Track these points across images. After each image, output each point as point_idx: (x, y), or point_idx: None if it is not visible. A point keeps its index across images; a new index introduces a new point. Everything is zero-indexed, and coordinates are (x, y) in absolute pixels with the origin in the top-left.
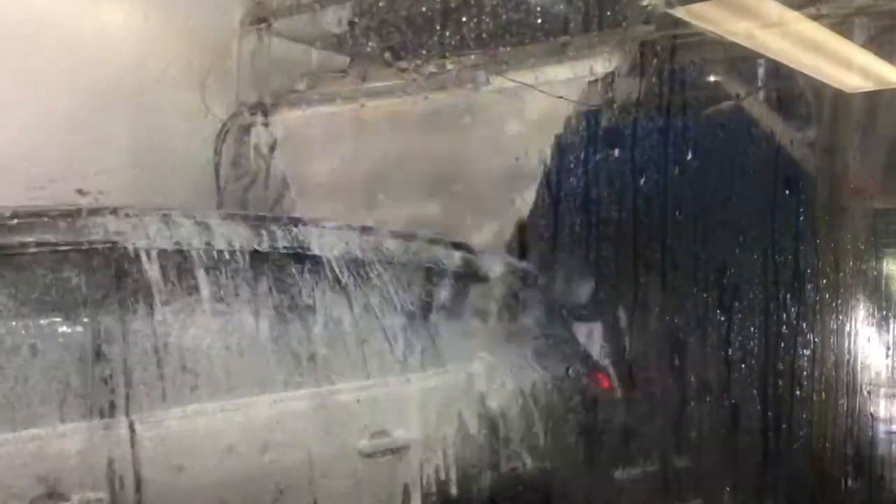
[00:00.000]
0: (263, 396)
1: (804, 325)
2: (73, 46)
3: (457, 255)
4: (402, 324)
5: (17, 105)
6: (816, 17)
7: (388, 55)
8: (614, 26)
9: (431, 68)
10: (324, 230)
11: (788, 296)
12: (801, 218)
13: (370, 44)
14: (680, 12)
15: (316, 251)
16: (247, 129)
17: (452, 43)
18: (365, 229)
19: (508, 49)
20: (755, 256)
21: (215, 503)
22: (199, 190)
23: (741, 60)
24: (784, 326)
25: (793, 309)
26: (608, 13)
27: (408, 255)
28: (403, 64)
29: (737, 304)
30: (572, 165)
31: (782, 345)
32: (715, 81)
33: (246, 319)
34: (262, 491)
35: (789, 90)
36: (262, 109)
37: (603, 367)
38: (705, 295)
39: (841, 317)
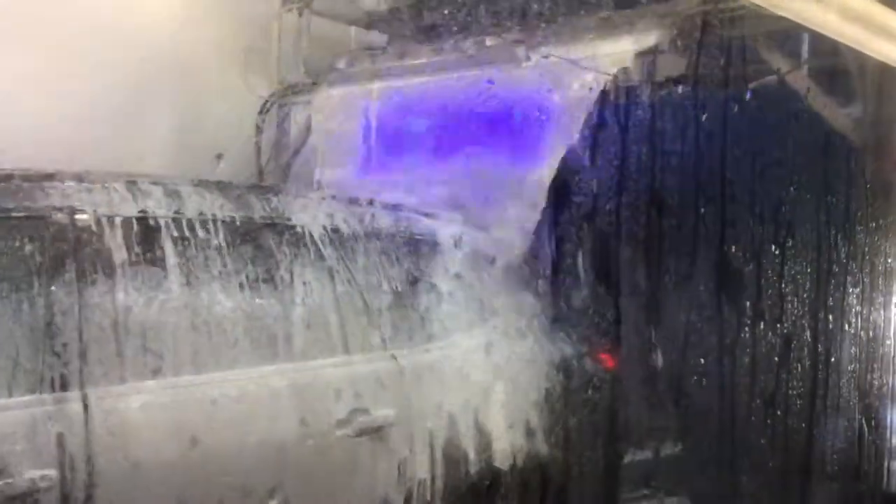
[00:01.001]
0: (231, 373)
1: (853, 300)
2: (115, 27)
3: (452, 230)
4: (388, 298)
5: (59, 86)
6: None
7: (426, 33)
8: (658, 0)
9: (470, 45)
10: (306, 200)
11: (836, 270)
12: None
13: (409, 22)
14: None
15: (296, 222)
16: (288, 108)
17: (492, 19)
18: (352, 201)
19: (549, 25)
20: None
21: (175, 485)
22: (239, 169)
23: (786, 34)
24: (832, 300)
25: (841, 283)
26: None
27: (396, 227)
28: (442, 41)
29: (786, 279)
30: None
31: (832, 321)
32: (759, 56)
33: (216, 293)
34: (226, 472)
35: (834, 64)
36: (303, 88)
37: (608, 346)
38: (753, 271)
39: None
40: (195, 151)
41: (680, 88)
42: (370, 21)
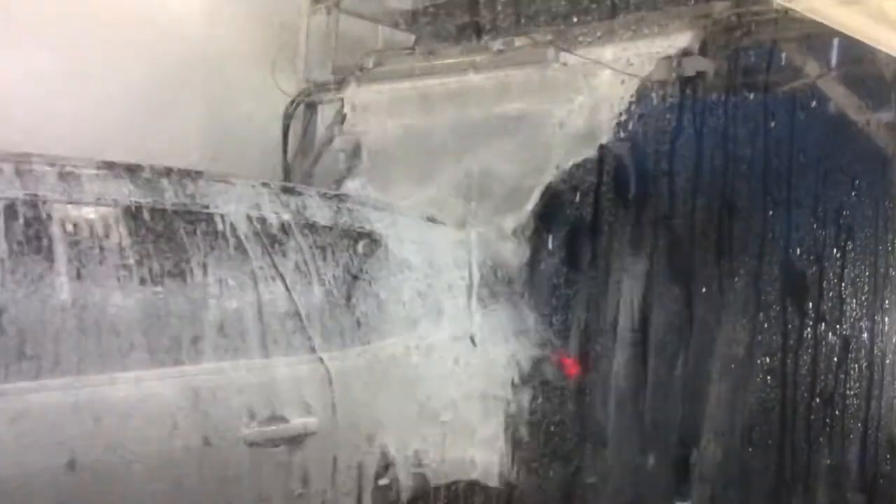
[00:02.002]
0: (122, 376)
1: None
2: (145, 24)
3: (404, 223)
4: (318, 297)
5: (90, 80)
6: None
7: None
8: (689, 3)
9: (499, 45)
10: (229, 186)
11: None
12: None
13: (437, 21)
14: None
15: (215, 210)
16: (314, 106)
17: (521, 20)
18: (286, 189)
19: (578, 26)
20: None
21: (61, 498)
22: (266, 166)
23: (817, 38)
24: (860, 312)
25: (868, 294)
26: None
27: (336, 220)
28: (470, 41)
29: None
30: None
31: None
32: (790, 60)
33: (110, 288)
34: (117, 483)
35: (866, 69)
36: (330, 86)
37: (572, 349)
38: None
39: None
40: (223, 146)
41: (709, 90)
42: (398, 20)
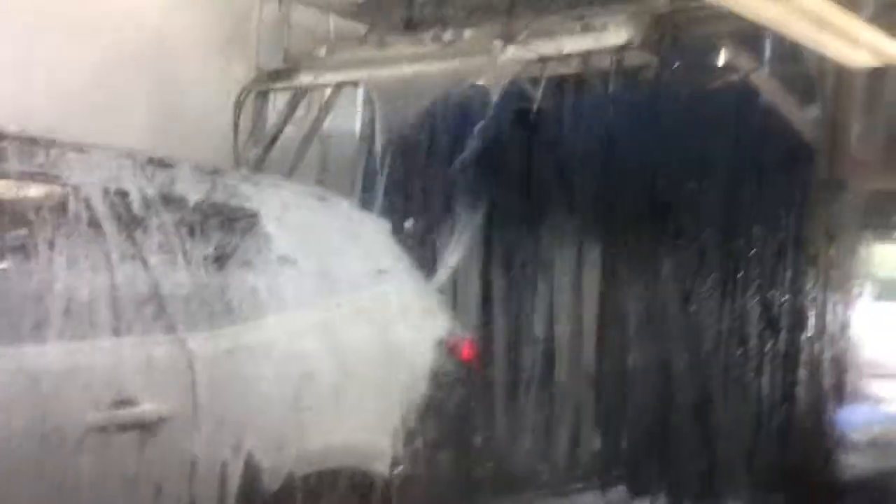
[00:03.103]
0: None
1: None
2: (98, 10)
3: (289, 200)
4: (184, 276)
5: (41, 67)
6: None
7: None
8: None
9: (448, 36)
10: (85, 156)
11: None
12: (800, 192)
13: (389, 12)
14: None
15: (67, 181)
16: (266, 94)
17: (470, 12)
18: (152, 161)
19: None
20: (753, 227)
21: None
22: (217, 154)
23: (749, 34)
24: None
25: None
26: None
27: (207, 195)
28: (421, 32)
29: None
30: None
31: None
32: (723, 55)
33: None
34: None
35: (795, 65)
36: (281, 75)
37: (468, 332)
38: (699, 270)
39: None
40: (173, 133)
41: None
42: (350, 10)
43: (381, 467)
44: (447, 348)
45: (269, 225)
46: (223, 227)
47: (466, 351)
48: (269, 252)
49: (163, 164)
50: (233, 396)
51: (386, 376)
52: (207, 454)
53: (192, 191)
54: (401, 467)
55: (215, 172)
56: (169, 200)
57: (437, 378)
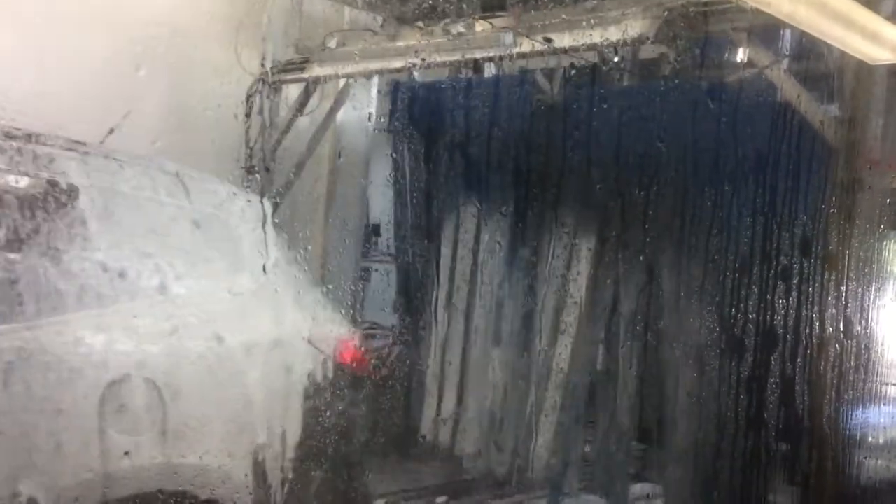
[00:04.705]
0: None
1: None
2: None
3: (121, 175)
4: None
5: (52, 56)
6: None
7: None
8: None
9: (460, 29)
10: None
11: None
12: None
13: (401, 3)
14: None
15: None
16: (278, 85)
17: (482, 4)
18: None
19: (536, 12)
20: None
21: None
22: (228, 144)
23: (766, 30)
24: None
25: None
26: None
27: (10, 164)
28: (432, 24)
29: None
30: None
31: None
32: (740, 50)
33: None
34: None
35: (814, 60)
36: (293, 67)
37: (353, 333)
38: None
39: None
40: (184, 123)
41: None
42: (364, 1)
43: (228, 492)
44: (329, 353)
45: (88, 207)
46: (23, 206)
47: (346, 354)
48: (84, 240)
49: None
50: (18, 405)
51: (229, 388)
52: None
53: None
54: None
55: (25, 138)
56: None
57: (307, 387)
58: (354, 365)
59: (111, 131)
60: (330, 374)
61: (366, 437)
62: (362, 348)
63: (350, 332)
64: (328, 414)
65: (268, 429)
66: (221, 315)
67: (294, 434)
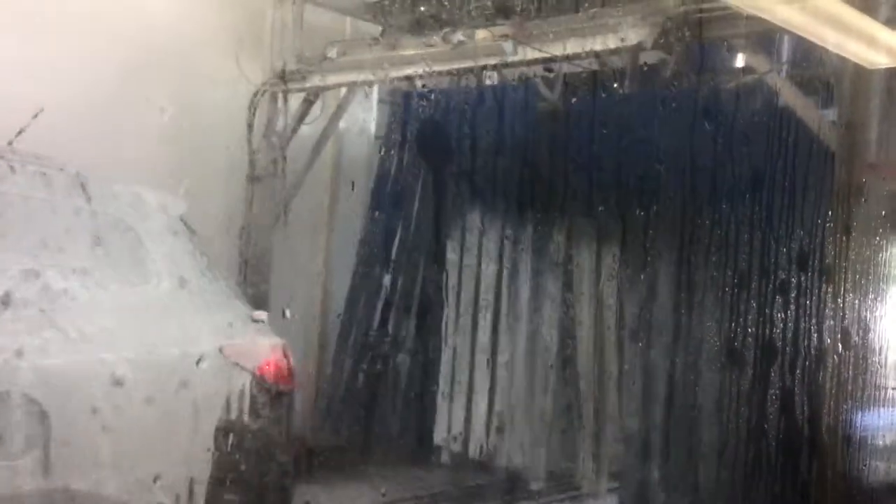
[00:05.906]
0: None
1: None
2: (113, 12)
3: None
4: None
5: (57, 68)
6: None
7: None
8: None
9: (460, 38)
10: None
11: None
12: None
13: (402, 13)
14: None
15: None
16: (280, 96)
17: (482, 13)
18: None
19: (536, 21)
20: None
21: None
22: (231, 154)
23: (764, 36)
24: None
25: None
26: None
27: None
28: (433, 34)
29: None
30: None
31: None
32: (738, 56)
33: None
34: None
35: (812, 66)
36: (295, 76)
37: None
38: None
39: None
40: (187, 133)
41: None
42: (364, 11)
43: None
44: (249, 368)
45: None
46: None
47: (269, 368)
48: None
49: None
50: None
51: (125, 411)
52: None
53: None
54: None
55: None
56: None
57: (220, 406)
58: (280, 380)
59: (20, 132)
60: (248, 390)
61: (286, 459)
62: (286, 361)
63: (274, 343)
64: (244, 435)
65: (168, 454)
66: (119, 329)
67: (201, 460)
